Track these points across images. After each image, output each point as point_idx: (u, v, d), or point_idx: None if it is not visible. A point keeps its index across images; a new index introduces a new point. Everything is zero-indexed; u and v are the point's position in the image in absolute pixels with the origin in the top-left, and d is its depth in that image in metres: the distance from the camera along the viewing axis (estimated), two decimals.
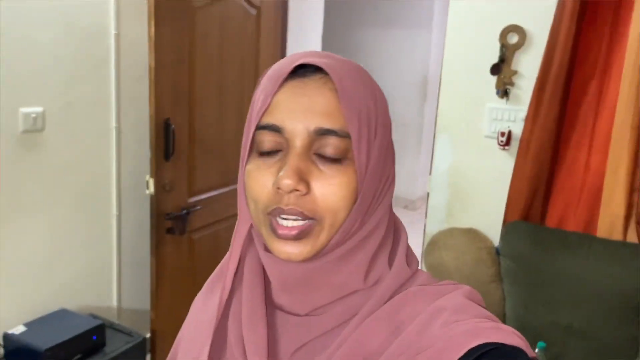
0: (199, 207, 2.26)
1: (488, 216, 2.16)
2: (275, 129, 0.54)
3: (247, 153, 0.57)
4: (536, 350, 1.80)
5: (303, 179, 0.52)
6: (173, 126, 2.07)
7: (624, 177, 1.88)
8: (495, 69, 2.07)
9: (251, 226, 0.60)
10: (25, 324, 1.88)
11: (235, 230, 0.62)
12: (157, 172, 2.05)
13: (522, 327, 1.95)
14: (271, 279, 0.58)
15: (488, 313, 0.53)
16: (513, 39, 2.04)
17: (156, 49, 1.97)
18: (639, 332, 1.80)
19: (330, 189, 0.53)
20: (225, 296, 0.61)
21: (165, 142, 2.06)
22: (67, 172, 2.06)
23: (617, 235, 1.92)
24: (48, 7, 1.91)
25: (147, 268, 2.18)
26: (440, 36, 4.52)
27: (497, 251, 2.10)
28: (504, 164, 2.11)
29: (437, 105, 2.30)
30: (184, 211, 2.19)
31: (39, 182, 1.97)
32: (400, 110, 5.43)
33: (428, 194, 2.40)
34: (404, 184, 5.52)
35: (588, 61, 1.93)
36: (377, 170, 0.56)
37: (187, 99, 2.15)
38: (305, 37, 3.56)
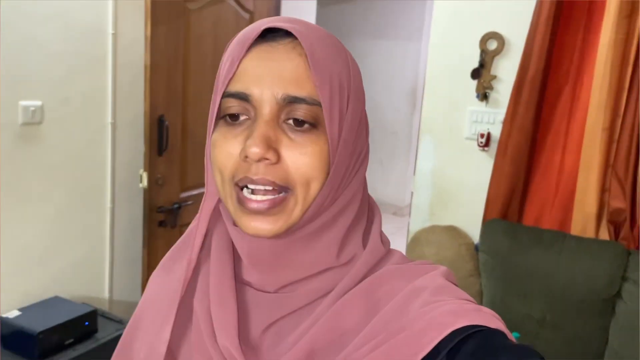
0: (190, 202, 2.34)
1: (468, 214, 2.25)
2: (242, 97, 0.51)
3: (213, 122, 0.54)
4: None
5: (272, 147, 0.49)
6: (167, 122, 2.15)
7: (595, 177, 1.98)
8: (476, 74, 2.18)
9: (219, 201, 0.58)
10: (20, 309, 1.94)
11: (201, 204, 0.60)
12: (150, 166, 2.13)
13: None
14: (240, 254, 0.56)
15: (467, 295, 0.52)
16: (492, 45, 2.14)
17: (152, 48, 2.06)
18: (608, 323, 1.90)
19: (302, 158, 0.50)
20: (191, 271, 0.58)
21: (159, 138, 2.14)
22: (63, 164, 2.13)
23: (590, 233, 2.02)
24: (49, 6, 1.99)
25: (139, 260, 2.25)
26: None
27: (476, 247, 2.19)
28: (483, 165, 2.21)
29: (421, 109, 2.40)
30: (176, 205, 2.26)
31: (36, 174, 2.04)
32: (390, 118, 5.54)
33: (412, 193, 2.50)
34: (393, 191, 5.61)
35: (562, 67, 2.04)
36: (349, 141, 0.54)
37: (181, 97, 2.24)
38: None
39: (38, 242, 2.09)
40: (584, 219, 2.03)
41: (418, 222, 2.40)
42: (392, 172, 5.60)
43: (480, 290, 2.12)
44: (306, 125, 0.51)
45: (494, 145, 2.17)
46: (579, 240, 2.00)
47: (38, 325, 1.83)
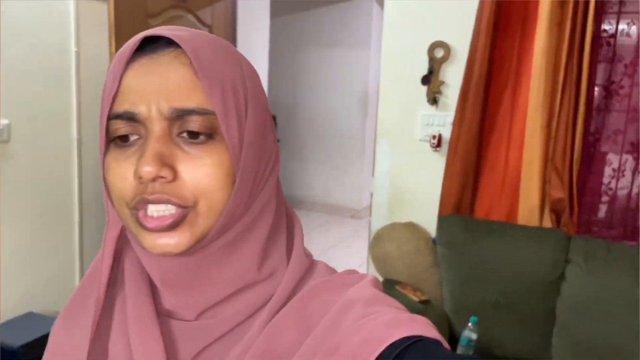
0: None
1: (425, 211, 2.41)
2: (128, 117, 0.48)
3: (104, 145, 0.50)
4: (469, 324, 2.04)
5: (166, 163, 0.46)
6: None
7: (537, 171, 2.18)
8: (425, 80, 2.34)
9: (123, 227, 0.54)
10: None
11: (104, 235, 0.55)
12: None
13: (457, 305, 2.20)
14: (153, 279, 0.52)
15: (397, 302, 0.51)
16: (439, 53, 2.32)
17: None
18: (555, 303, 2.08)
19: (200, 171, 0.47)
20: (99, 310, 0.52)
21: None
22: (32, 181, 2.16)
23: (534, 222, 2.21)
24: (13, 26, 2.03)
25: None
26: (377, 55, 4.84)
27: (434, 241, 2.35)
28: (436, 164, 2.38)
29: (376, 114, 2.55)
30: None
31: (4, 191, 2.06)
32: (343, 124, 5.71)
33: (372, 193, 2.64)
34: (350, 194, 5.77)
35: (502, 72, 2.23)
36: (254, 147, 0.50)
37: None
38: (253, 55, 3.77)
39: (9, 259, 2.11)
40: (529, 209, 2.23)
41: (379, 220, 2.54)
42: (348, 176, 5.76)
43: (440, 280, 2.28)
44: (201, 137, 0.47)
45: (445, 146, 2.34)
46: (525, 229, 2.19)
47: (17, 339, 1.86)
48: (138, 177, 0.46)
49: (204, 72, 0.47)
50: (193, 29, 0.51)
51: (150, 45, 0.49)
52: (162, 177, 0.46)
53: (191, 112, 0.47)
